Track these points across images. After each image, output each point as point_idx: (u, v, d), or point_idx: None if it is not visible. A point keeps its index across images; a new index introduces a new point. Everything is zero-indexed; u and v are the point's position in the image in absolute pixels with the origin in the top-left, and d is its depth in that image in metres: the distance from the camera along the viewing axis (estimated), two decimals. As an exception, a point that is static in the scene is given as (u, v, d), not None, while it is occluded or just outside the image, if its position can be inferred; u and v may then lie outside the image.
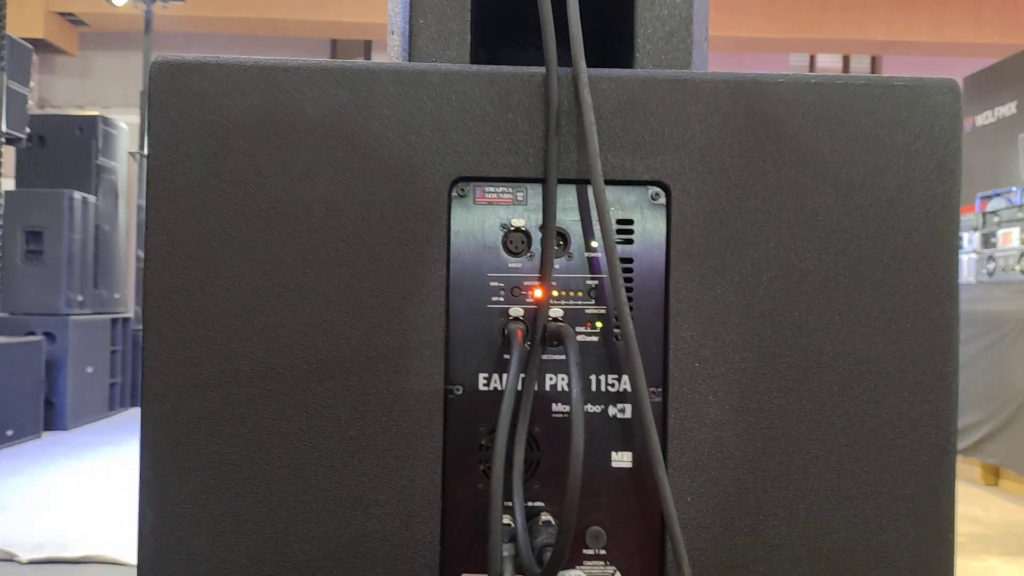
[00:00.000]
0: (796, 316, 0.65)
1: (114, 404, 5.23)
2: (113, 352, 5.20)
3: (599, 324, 0.65)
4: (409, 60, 0.77)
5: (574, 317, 0.66)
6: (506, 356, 0.65)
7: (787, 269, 0.66)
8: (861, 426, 0.66)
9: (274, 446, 0.63)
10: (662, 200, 0.66)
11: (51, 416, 4.59)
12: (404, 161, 0.64)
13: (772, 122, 0.65)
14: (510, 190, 0.66)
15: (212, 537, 0.63)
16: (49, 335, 4.57)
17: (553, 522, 0.63)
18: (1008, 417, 3.59)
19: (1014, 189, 4.13)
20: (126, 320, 5.38)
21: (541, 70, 0.66)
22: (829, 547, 0.65)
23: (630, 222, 0.66)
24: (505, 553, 0.59)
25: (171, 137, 0.64)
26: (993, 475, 3.91)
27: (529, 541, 0.61)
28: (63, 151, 5.10)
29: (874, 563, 0.65)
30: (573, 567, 0.61)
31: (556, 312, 0.65)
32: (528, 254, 0.66)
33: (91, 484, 3.41)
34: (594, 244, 0.66)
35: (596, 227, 0.65)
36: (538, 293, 0.64)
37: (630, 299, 0.66)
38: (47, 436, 4.43)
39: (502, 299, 0.65)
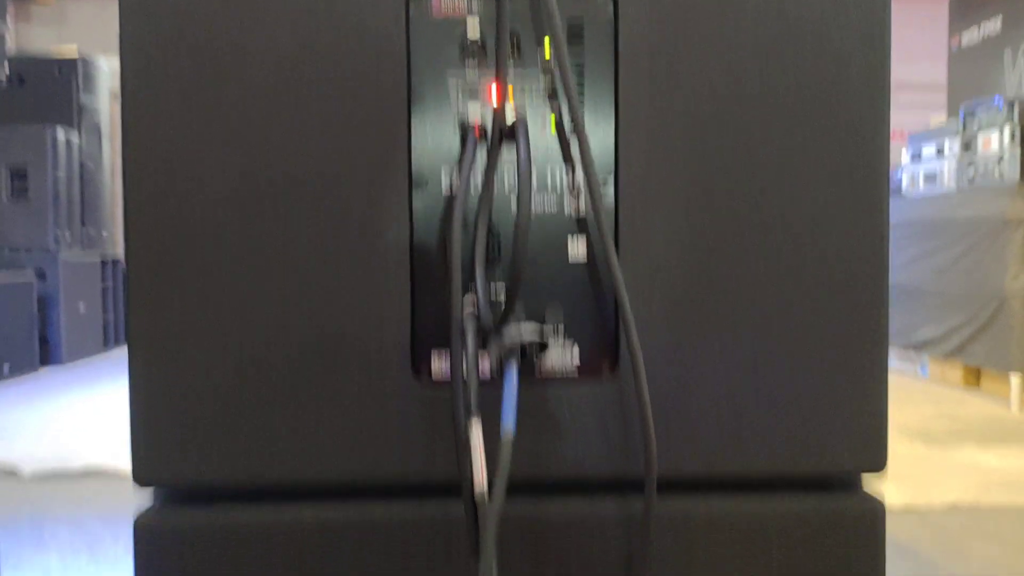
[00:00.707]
0: (739, 129, 0.69)
1: (108, 342, 5.28)
2: (104, 290, 5.23)
3: (552, 118, 0.69)
4: None
5: (530, 116, 0.69)
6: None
7: (733, 89, 0.69)
8: (800, 225, 0.69)
9: (248, 261, 0.67)
10: (610, 9, 0.69)
11: (47, 352, 4.63)
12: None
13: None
14: (464, 2, 0.69)
15: (199, 348, 0.67)
16: (40, 273, 4.59)
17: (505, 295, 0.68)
18: (988, 318, 3.66)
19: (996, 96, 4.14)
20: (115, 261, 5.40)
21: None
22: (771, 325, 0.69)
23: (581, 28, 0.69)
24: (468, 324, 0.63)
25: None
26: (975, 377, 3.99)
27: (491, 317, 0.65)
28: (43, 91, 5.06)
29: (812, 355, 0.70)
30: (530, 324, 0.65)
31: (511, 111, 0.68)
32: (485, 63, 0.69)
33: (89, 410, 3.47)
34: (547, 49, 0.69)
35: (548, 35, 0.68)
36: (494, 93, 0.68)
37: (582, 99, 0.69)
38: (44, 371, 4.48)
39: (460, 102, 0.69)
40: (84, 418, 3.28)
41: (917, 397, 3.86)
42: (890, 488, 2.40)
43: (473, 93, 0.69)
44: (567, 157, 0.69)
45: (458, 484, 0.65)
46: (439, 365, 0.69)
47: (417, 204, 0.69)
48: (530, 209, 0.62)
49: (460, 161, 0.68)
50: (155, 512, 0.68)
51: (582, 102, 0.69)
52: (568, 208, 0.69)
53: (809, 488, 0.71)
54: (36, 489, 2.40)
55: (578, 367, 0.69)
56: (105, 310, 5.22)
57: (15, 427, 3.13)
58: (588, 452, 0.69)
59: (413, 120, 0.69)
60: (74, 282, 4.79)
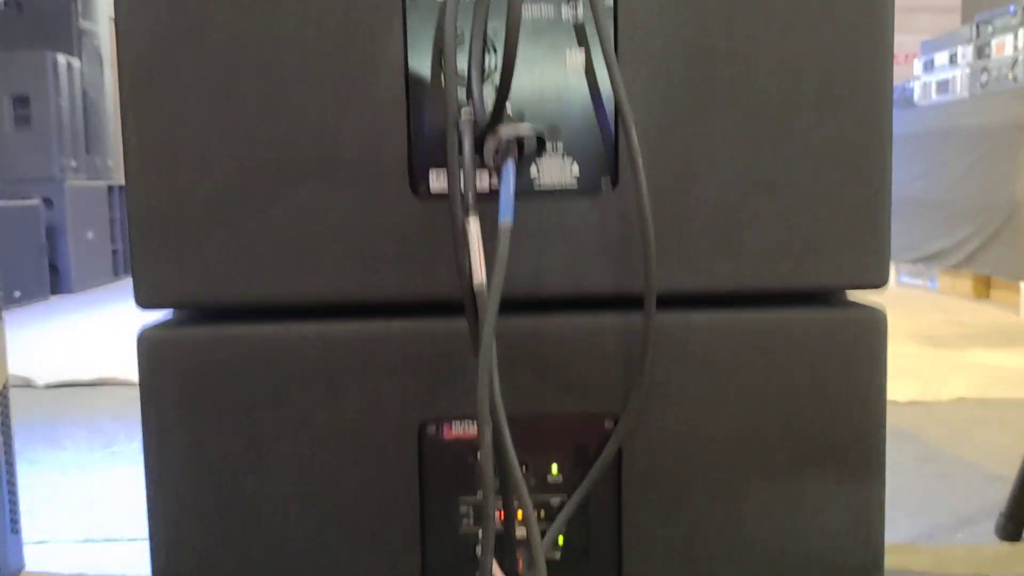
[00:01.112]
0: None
1: (118, 271, 5.30)
2: (112, 220, 5.23)
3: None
4: None
5: (523, -77, 0.67)
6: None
7: None
8: (801, 27, 0.68)
9: (244, 66, 0.66)
10: None
11: (56, 281, 4.66)
12: None
13: None
14: None
15: (195, 159, 0.67)
16: (47, 201, 4.59)
17: (510, 113, 0.67)
18: (998, 227, 3.63)
19: (1011, 6, 4.05)
20: (122, 188, 5.39)
21: None
22: (776, 136, 0.68)
23: None
24: (464, 128, 0.62)
25: None
26: (984, 287, 3.98)
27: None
28: (42, 16, 5.00)
29: (813, 167, 0.69)
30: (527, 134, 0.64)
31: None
32: None
33: (101, 331, 3.50)
34: None
35: None
36: None
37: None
38: (54, 299, 4.50)
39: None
40: (95, 337, 3.30)
41: (926, 307, 3.85)
42: (897, 385, 2.41)
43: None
44: (563, -39, 0.67)
45: (459, 301, 0.65)
46: (437, 182, 0.68)
47: (411, 15, 0.67)
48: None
49: (453, -32, 0.66)
50: (159, 328, 0.69)
51: (577, -95, 0.67)
52: (566, 14, 0.68)
53: (810, 302, 0.70)
54: (50, 397, 2.43)
55: (577, 179, 0.68)
56: (113, 240, 5.23)
57: (28, 346, 3.16)
58: (588, 267, 0.68)
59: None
60: (81, 210, 4.79)
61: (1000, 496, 1.55)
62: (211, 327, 0.68)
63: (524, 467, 0.70)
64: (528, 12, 0.67)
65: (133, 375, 2.55)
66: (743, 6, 0.67)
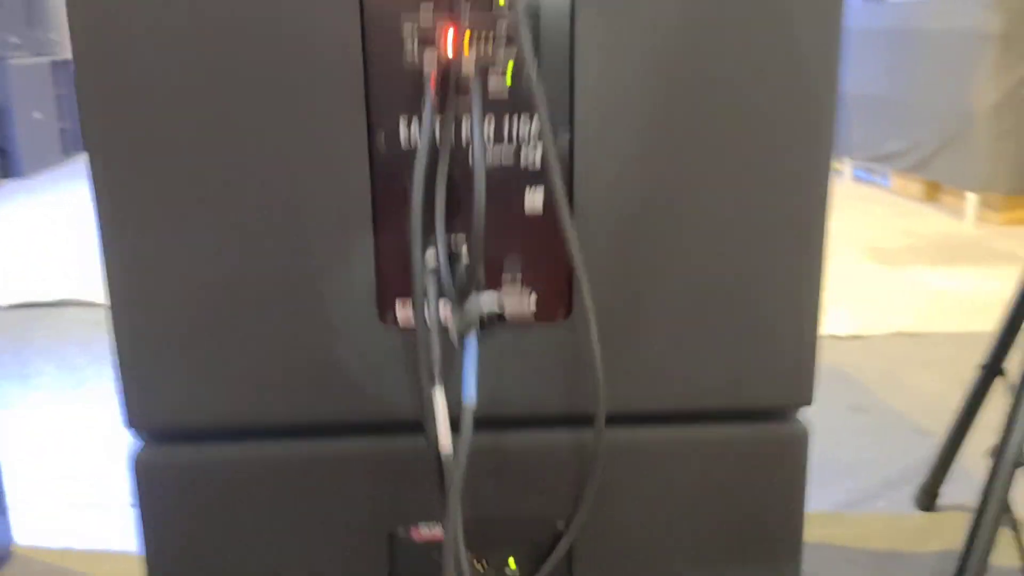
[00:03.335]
0: (694, 61, 0.69)
1: (68, 149, 5.18)
2: (59, 96, 5.07)
3: (511, 66, 0.68)
4: None
5: (488, 62, 0.68)
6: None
7: (686, 20, 0.68)
8: (746, 169, 0.71)
9: (214, 198, 0.68)
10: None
11: (7, 165, 4.56)
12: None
13: None
14: (421, -62, 0.66)
15: (172, 292, 0.70)
16: (-11, 80, 4.44)
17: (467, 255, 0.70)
18: (952, 135, 3.69)
19: None
20: (66, 62, 5.20)
21: None
22: (714, 273, 0.73)
23: (538, -32, 0.68)
24: (429, 280, 0.66)
25: None
26: (934, 190, 4.07)
27: (451, 271, 0.68)
28: None
29: (750, 303, 0.74)
30: (491, 290, 0.69)
31: (468, 62, 0.68)
32: (441, 6, 0.67)
33: (56, 228, 3.47)
34: (505, -7, 0.67)
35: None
36: (451, 39, 0.67)
37: (538, 43, 0.68)
38: (5, 183, 4.43)
39: (415, 50, 0.68)
40: (52, 237, 3.29)
41: (877, 210, 3.95)
42: (840, 314, 2.52)
43: (429, 39, 0.68)
44: (523, 107, 0.69)
45: (421, 422, 0.70)
46: (404, 312, 0.72)
47: (377, 150, 0.69)
48: (484, 177, 0.63)
49: (420, 116, 0.68)
50: (148, 451, 0.74)
51: (538, 51, 0.68)
52: (526, 159, 0.70)
53: (746, 419, 0.77)
54: (14, 319, 2.45)
55: (534, 313, 0.73)
56: (61, 117, 5.09)
57: (-15, 249, 3.14)
58: (544, 390, 0.74)
59: (369, 67, 0.68)
60: (26, 89, 4.64)
61: (924, 455, 1.68)
62: (196, 447, 0.73)
63: (485, 561, 0.77)
64: (490, 157, 0.70)
65: (90, 296, 2.58)
66: (690, 167, 0.70)
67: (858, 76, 4.36)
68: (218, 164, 0.68)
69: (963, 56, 3.59)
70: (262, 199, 0.69)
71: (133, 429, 0.74)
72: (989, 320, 2.38)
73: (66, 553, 1.43)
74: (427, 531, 0.76)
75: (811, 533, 1.11)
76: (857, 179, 4.65)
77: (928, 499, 1.53)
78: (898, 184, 4.30)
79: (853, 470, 1.66)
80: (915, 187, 4.14)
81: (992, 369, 1.35)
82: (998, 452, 1.16)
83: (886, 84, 4.15)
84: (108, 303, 0.71)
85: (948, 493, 1.51)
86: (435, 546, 0.76)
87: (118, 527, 1.49)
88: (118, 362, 0.71)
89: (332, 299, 0.71)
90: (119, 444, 1.74)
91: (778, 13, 0.68)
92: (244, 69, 0.66)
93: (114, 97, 0.67)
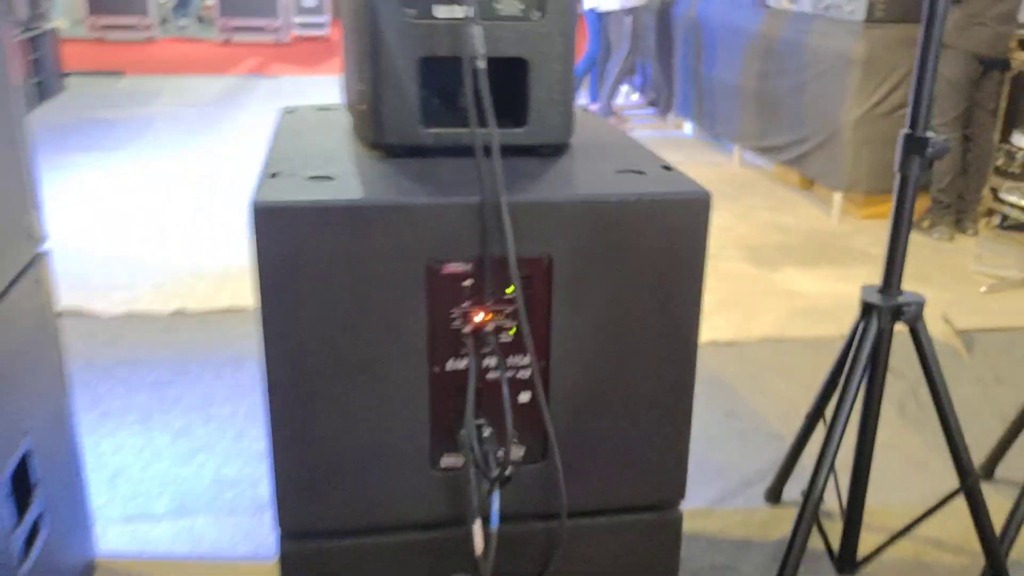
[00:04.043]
0: (623, 326, 1.19)
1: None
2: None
3: (513, 330, 1.18)
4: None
5: (501, 325, 1.17)
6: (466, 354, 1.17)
7: (615, 301, 1.18)
8: (645, 366, 1.22)
9: (343, 389, 1.16)
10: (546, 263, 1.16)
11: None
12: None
13: (608, 233, 1.14)
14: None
15: (317, 437, 1.17)
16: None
17: (488, 432, 1.20)
18: (822, 140, 4.27)
19: None
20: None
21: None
22: (627, 422, 1.25)
23: (529, 280, 1.16)
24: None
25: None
26: (808, 182, 4.67)
27: (480, 447, 1.18)
28: None
29: (644, 439, 1.25)
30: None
31: (491, 326, 1.16)
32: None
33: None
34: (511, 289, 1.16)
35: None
36: (480, 317, 1.16)
37: (532, 314, 1.17)
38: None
39: (461, 317, 1.16)
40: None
41: (757, 200, 4.54)
42: (720, 320, 3.10)
43: (470, 318, 1.16)
44: (520, 349, 1.19)
45: (462, 521, 1.21)
46: (449, 461, 1.22)
47: (433, 374, 1.18)
48: (508, 387, 1.14)
49: (463, 355, 1.17)
50: (291, 545, 1.22)
51: (528, 319, 1.18)
52: (521, 375, 1.20)
53: (643, 510, 1.30)
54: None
55: (523, 456, 1.23)
56: None
57: None
58: (528, 499, 1.25)
59: (432, 328, 1.16)
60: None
61: (776, 456, 2.27)
62: (324, 542, 1.22)
63: (491, 596, 1.29)
64: (501, 376, 1.19)
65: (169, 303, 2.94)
66: (614, 369, 1.21)
67: (750, 72, 4.91)
68: (352, 373, 1.15)
69: (832, 73, 4.15)
70: (373, 396, 1.17)
71: (281, 529, 1.22)
72: (840, 325, 2.99)
73: (148, 563, 1.88)
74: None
75: (687, 525, 1.62)
76: (746, 163, 5.23)
77: (775, 496, 2.13)
78: (779, 170, 4.90)
79: (723, 471, 2.24)
80: (793, 175, 4.75)
81: (815, 416, 1.93)
82: (812, 475, 1.73)
83: (769, 84, 4.71)
84: (270, 449, 1.18)
85: (789, 491, 2.10)
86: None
87: (194, 537, 1.95)
88: (276, 488, 1.19)
89: (406, 454, 1.20)
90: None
91: (661, 292, 1.19)
92: (368, 330, 1.14)
93: (294, 334, 1.13)
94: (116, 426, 2.39)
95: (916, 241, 3.90)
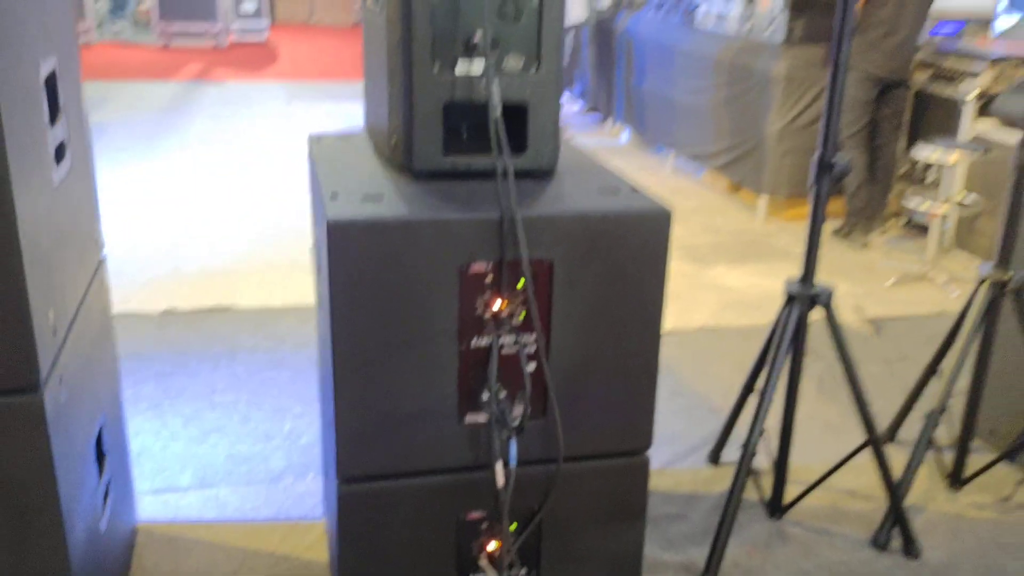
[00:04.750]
0: (606, 311, 1.54)
1: None
2: None
3: (523, 314, 1.52)
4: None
5: (514, 311, 1.51)
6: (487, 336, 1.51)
7: (600, 292, 1.53)
8: (620, 340, 1.58)
9: (393, 357, 1.48)
10: (548, 264, 1.50)
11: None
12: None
13: (595, 240, 1.49)
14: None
15: (377, 394, 1.50)
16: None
17: (503, 395, 1.54)
18: (748, 150, 4.71)
19: None
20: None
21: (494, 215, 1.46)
22: (608, 385, 1.60)
23: (535, 276, 1.51)
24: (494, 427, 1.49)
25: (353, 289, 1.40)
26: (736, 187, 5.11)
27: (499, 407, 1.51)
28: None
29: (622, 399, 1.61)
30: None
31: (506, 311, 1.50)
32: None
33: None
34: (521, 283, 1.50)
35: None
36: (498, 305, 1.49)
37: (537, 302, 1.52)
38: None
39: (483, 306, 1.50)
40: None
41: (690, 204, 4.96)
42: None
43: (490, 303, 1.50)
44: (529, 327, 1.53)
45: (481, 465, 1.54)
46: (472, 418, 1.56)
47: (463, 349, 1.51)
48: (525, 358, 1.48)
49: (487, 332, 1.51)
50: (346, 488, 1.54)
51: (536, 304, 1.52)
52: (529, 349, 1.54)
53: (620, 456, 1.65)
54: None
55: (529, 413, 1.58)
56: None
57: None
58: (533, 446, 1.59)
59: (461, 314, 1.49)
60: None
61: (715, 426, 2.65)
62: (373, 484, 1.54)
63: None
64: (515, 349, 1.53)
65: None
66: (600, 342, 1.56)
67: (682, 86, 5.33)
68: (400, 349, 1.48)
69: (760, 89, 4.59)
70: (415, 367, 1.50)
71: (339, 478, 1.54)
72: (766, 315, 3.40)
73: (188, 526, 2.17)
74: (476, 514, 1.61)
75: (647, 484, 2.01)
76: (678, 169, 5.66)
77: (715, 458, 2.51)
78: (709, 178, 5.33)
79: (672, 440, 2.62)
80: (722, 181, 5.18)
81: (747, 389, 2.32)
82: (746, 440, 2.11)
83: (701, 99, 5.13)
84: (334, 411, 1.50)
85: (727, 454, 2.49)
86: (480, 521, 1.62)
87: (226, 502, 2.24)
88: (337, 442, 1.51)
89: (439, 412, 1.53)
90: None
91: (634, 285, 1.55)
92: (412, 316, 1.47)
93: (357, 319, 1.46)
94: (131, 413, 2.65)
95: (835, 244, 4.37)
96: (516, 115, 1.59)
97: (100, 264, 1.89)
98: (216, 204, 4.78)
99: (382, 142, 1.72)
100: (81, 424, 1.60)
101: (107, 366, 1.90)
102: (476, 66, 1.55)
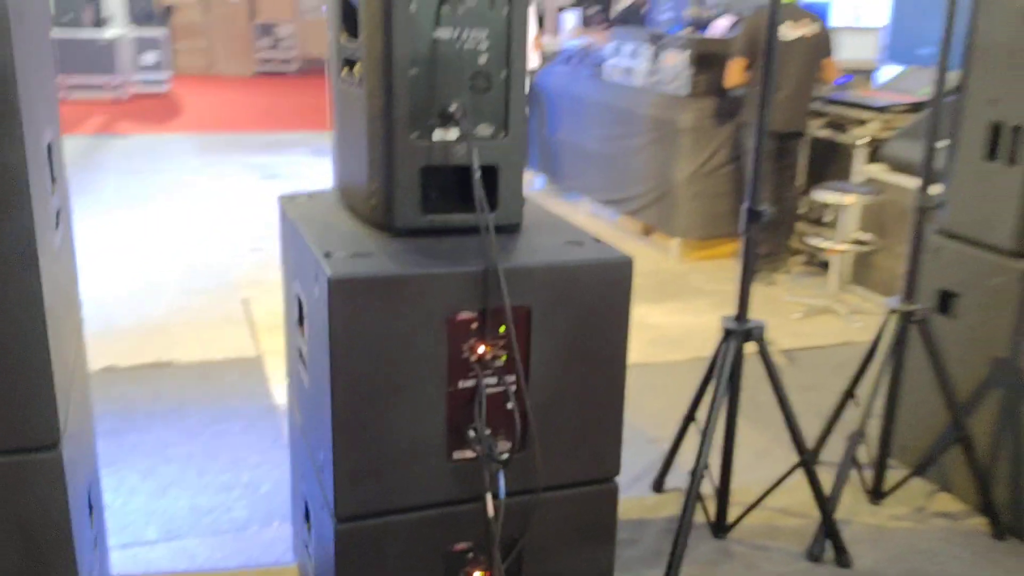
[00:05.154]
0: (577, 352, 1.70)
1: None
2: None
3: (504, 357, 1.66)
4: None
5: (497, 355, 1.66)
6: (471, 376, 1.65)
7: (572, 334, 1.69)
8: (593, 379, 1.74)
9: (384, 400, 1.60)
10: (527, 312, 1.66)
11: None
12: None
13: (567, 288, 1.66)
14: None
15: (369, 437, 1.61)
16: None
17: (487, 431, 1.68)
18: (658, 196, 4.98)
19: (677, 26, 5.26)
20: None
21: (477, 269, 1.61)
22: (573, 414, 1.75)
23: (515, 322, 1.66)
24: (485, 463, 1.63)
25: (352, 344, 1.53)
26: (650, 230, 5.37)
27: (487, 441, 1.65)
28: None
29: (588, 434, 1.77)
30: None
31: (490, 355, 1.64)
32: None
33: None
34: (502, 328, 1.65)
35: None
36: (482, 349, 1.64)
37: (519, 344, 1.67)
38: None
39: (469, 350, 1.64)
40: None
41: (609, 247, 5.20)
42: (596, 352, 3.67)
43: (474, 349, 1.64)
44: (510, 370, 1.68)
45: (467, 499, 1.67)
46: (458, 455, 1.69)
47: (451, 389, 1.65)
48: (519, 395, 1.62)
49: (471, 375, 1.65)
50: (343, 527, 1.65)
51: (517, 347, 1.67)
52: (510, 388, 1.69)
53: (592, 483, 1.80)
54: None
55: (510, 449, 1.72)
56: None
57: None
58: (512, 479, 1.73)
59: (450, 361, 1.63)
60: None
61: (655, 456, 2.83)
62: (365, 522, 1.65)
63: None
64: (497, 389, 1.67)
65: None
66: (569, 379, 1.72)
67: (594, 135, 5.59)
68: (394, 392, 1.60)
69: (668, 139, 4.88)
70: (407, 408, 1.62)
71: (336, 518, 1.65)
72: (688, 350, 3.63)
73: (159, 578, 2.21)
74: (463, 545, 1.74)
75: (599, 513, 2.17)
76: (592, 212, 5.91)
77: (659, 486, 2.69)
78: (624, 221, 5.59)
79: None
80: (636, 225, 5.45)
81: (688, 420, 2.51)
82: (694, 467, 2.29)
83: (613, 147, 5.41)
84: (331, 453, 1.61)
85: (671, 480, 2.66)
86: (467, 552, 1.74)
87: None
88: (333, 483, 1.62)
89: (429, 450, 1.66)
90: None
91: (602, 327, 1.71)
92: (405, 361, 1.59)
93: (355, 366, 1.57)
94: (87, 471, 2.66)
95: (742, 278, 4.65)
96: (487, 176, 1.75)
97: (81, 322, 1.95)
98: (142, 258, 4.77)
99: (359, 202, 1.85)
100: (80, 478, 1.66)
101: (90, 422, 1.96)
102: (451, 133, 1.70)
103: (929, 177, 2.42)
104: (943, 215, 2.65)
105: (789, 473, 2.38)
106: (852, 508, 2.61)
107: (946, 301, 2.65)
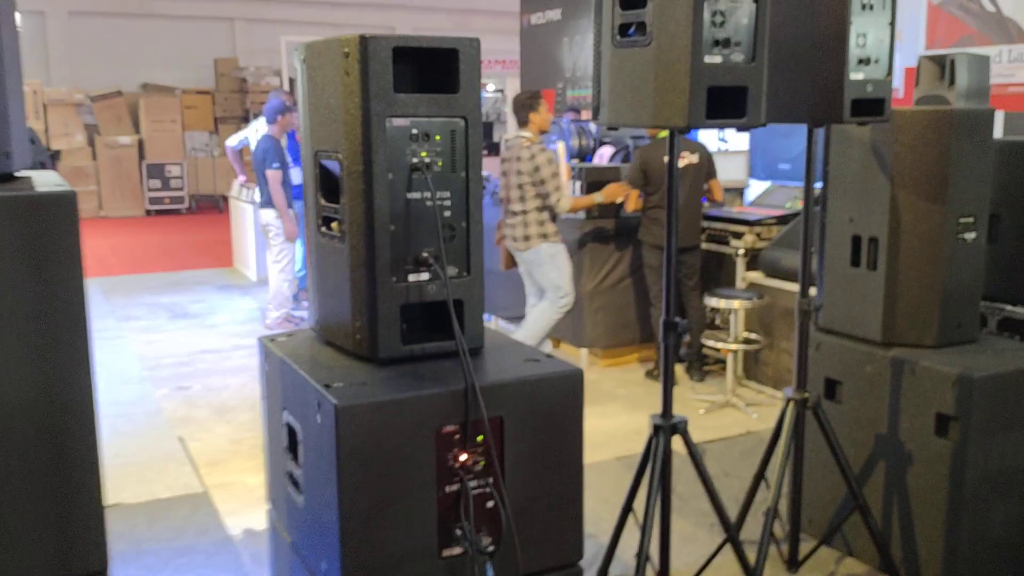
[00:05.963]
0: (544, 454, 2.01)
1: None
2: None
3: (482, 463, 1.95)
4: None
5: (476, 460, 1.94)
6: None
7: (538, 438, 2.00)
8: (557, 476, 2.04)
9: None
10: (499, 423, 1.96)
11: None
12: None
13: (531, 399, 1.97)
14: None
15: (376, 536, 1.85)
16: None
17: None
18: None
19: (565, 118, 5.80)
20: None
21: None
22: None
23: (491, 431, 1.95)
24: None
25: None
26: (557, 343, 5.74)
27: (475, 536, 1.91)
28: None
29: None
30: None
31: (471, 461, 1.93)
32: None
33: None
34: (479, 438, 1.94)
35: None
36: (464, 457, 1.92)
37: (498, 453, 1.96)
38: None
39: (453, 458, 1.92)
40: None
41: (522, 361, 5.54)
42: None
43: (456, 457, 1.93)
44: (491, 472, 1.96)
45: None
46: (447, 552, 1.94)
47: (439, 493, 1.91)
48: (506, 508, 1.90)
49: (455, 480, 1.92)
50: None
51: (497, 457, 1.96)
52: (490, 489, 1.96)
53: (559, 569, 2.08)
54: None
55: (491, 543, 1.98)
56: None
57: None
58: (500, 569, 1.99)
59: (438, 470, 1.90)
60: None
61: (595, 549, 3.10)
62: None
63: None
64: (482, 492, 1.94)
65: None
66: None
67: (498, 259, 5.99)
68: (392, 500, 1.86)
69: (571, 258, 5.31)
70: (403, 514, 1.87)
71: (347, 617, 1.86)
72: (610, 450, 3.95)
73: None
74: (457, 634, 1.97)
75: None
76: (502, 329, 6.26)
77: (603, 574, 2.96)
78: (532, 337, 5.95)
79: None
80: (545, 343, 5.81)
81: (626, 511, 2.82)
82: (637, 552, 2.58)
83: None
84: (339, 562, 1.84)
85: (614, 569, 2.94)
86: None
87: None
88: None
89: (422, 549, 1.91)
90: None
91: (560, 431, 2.03)
92: (401, 471, 1.86)
93: (360, 479, 1.82)
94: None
95: (648, 383, 5.06)
96: (455, 309, 2.07)
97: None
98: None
99: (342, 337, 2.13)
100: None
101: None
102: (424, 275, 2.03)
103: (806, 283, 2.87)
104: (821, 315, 3.10)
105: (719, 549, 2.70)
106: (773, 577, 2.94)
107: (832, 388, 3.08)
